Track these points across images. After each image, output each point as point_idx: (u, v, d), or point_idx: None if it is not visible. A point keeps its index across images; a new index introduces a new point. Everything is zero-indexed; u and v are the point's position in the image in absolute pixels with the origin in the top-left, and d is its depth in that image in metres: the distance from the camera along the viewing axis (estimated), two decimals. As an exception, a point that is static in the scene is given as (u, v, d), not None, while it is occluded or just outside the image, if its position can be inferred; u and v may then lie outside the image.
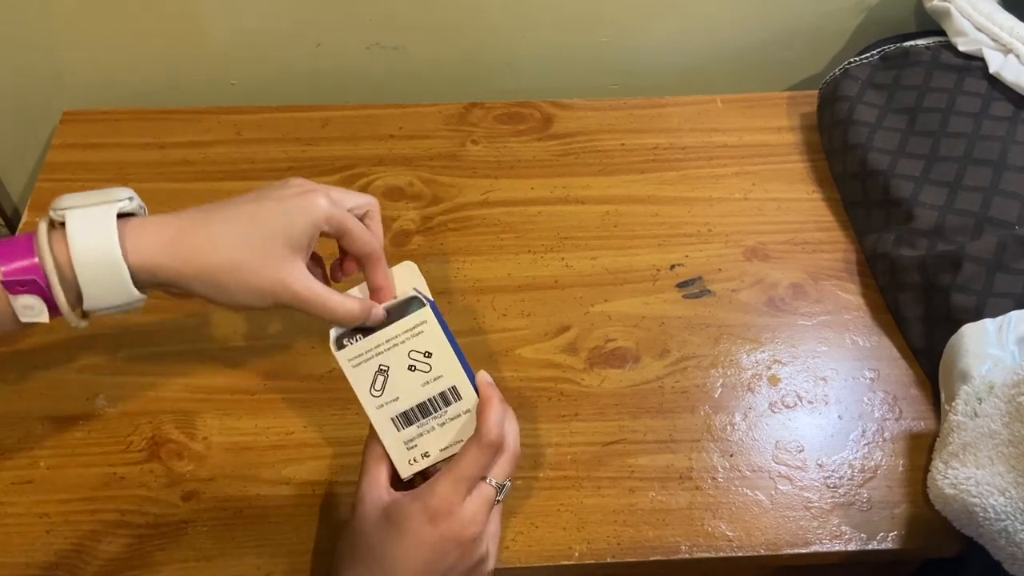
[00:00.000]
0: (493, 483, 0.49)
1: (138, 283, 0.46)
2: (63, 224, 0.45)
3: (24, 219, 0.73)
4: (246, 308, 0.49)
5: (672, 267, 0.71)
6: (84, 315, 0.47)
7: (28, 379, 0.64)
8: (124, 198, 0.47)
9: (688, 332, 0.67)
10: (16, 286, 0.44)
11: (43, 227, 0.45)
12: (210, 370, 0.65)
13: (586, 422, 0.62)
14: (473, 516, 0.47)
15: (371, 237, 0.52)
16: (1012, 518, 0.50)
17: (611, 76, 0.90)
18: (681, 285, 0.70)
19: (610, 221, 0.74)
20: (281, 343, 0.66)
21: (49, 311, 0.45)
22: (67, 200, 0.46)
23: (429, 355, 0.50)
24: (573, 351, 0.66)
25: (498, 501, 0.49)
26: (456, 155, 0.79)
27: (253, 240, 0.47)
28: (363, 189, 0.76)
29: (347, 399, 0.57)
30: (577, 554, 0.56)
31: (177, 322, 0.67)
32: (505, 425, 0.49)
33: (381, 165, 0.78)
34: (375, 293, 0.53)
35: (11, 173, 0.93)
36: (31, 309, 0.45)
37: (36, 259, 0.44)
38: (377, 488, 0.50)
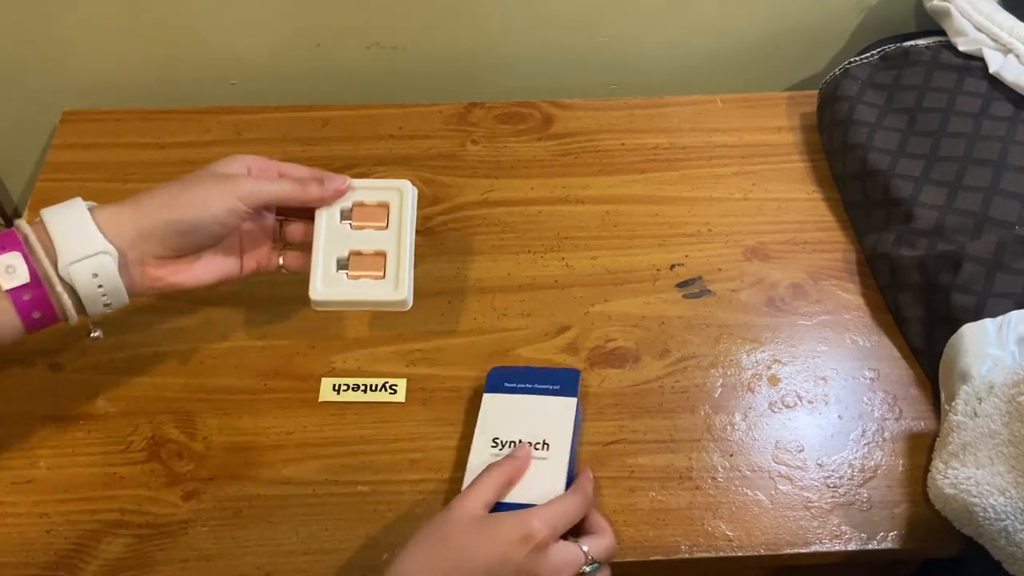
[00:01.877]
0: (586, 550, 0.50)
1: (110, 237, 0.51)
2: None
3: (24, 219, 0.73)
4: (211, 240, 0.55)
5: (672, 267, 0.71)
6: (62, 280, 0.51)
7: (28, 379, 0.64)
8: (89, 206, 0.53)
9: (688, 332, 0.67)
10: None
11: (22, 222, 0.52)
12: (210, 370, 0.65)
13: (586, 422, 0.62)
14: (559, 563, 0.48)
15: (299, 187, 0.58)
16: (1012, 518, 0.50)
17: (611, 76, 0.90)
18: (681, 285, 0.70)
19: (610, 221, 0.74)
20: (281, 343, 0.66)
21: (30, 271, 0.50)
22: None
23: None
24: (573, 351, 0.66)
25: (582, 573, 0.49)
26: (456, 155, 0.79)
27: (192, 186, 0.54)
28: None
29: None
30: (577, 554, 0.56)
31: (177, 322, 0.67)
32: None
33: (381, 165, 0.78)
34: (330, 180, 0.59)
35: (11, 173, 0.93)
36: (11, 269, 0.49)
37: (14, 229, 0.51)
38: (477, 500, 0.50)
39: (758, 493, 0.59)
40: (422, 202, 0.76)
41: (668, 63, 0.89)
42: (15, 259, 0.49)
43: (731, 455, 0.61)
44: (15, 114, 0.87)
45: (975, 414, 0.56)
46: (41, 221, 0.51)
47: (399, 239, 0.59)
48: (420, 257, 0.71)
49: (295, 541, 0.57)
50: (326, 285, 0.58)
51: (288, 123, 0.81)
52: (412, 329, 0.67)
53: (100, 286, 0.51)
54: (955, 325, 0.61)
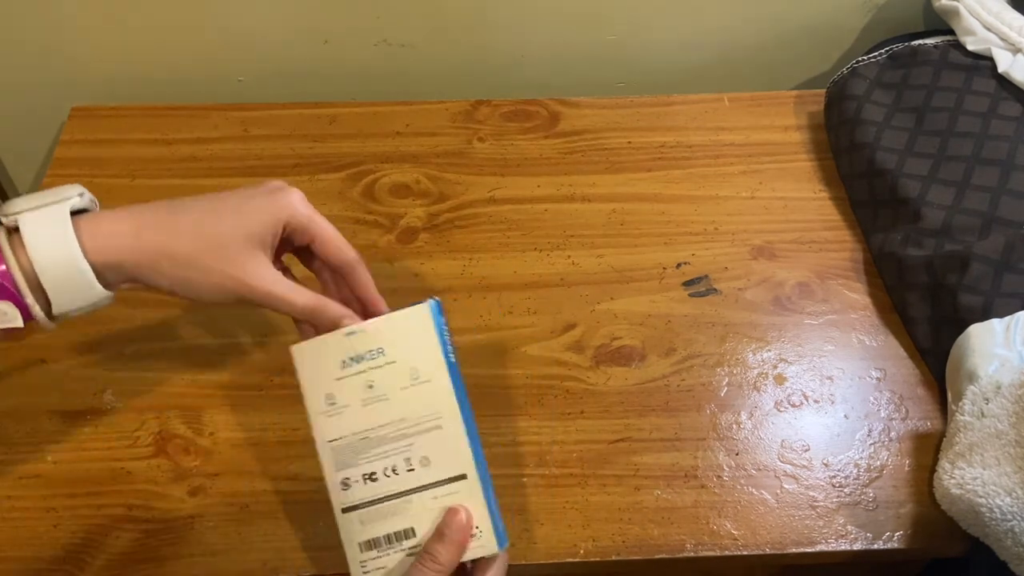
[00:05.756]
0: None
1: (104, 280, 0.46)
2: (18, 229, 0.44)
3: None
4: (209, 303, 0.48)
5: (678, 265, 0.71)
6: (54, 317, 0.46)
7: (36, 374, 0.64)
8: (74, 195, 0.46)
9: (694, 331, 0.67)
10: None
11: (2, 233, 0.45)
12: (217, 366, 0.65)
13: (592, 420, 0.62)
14: None
15: (346, 243, 0.50)
16: (1018, 518, 0.50)
17: (618, 74, 0.90)
18: (687, 283, 0.70)
19: (616, 219, 0.74)
20: (288, 339, 0.66)
21: (23, 316, 0.45)
22: (17, 204, 0.45)
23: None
24: (579, 349, 0.66)
25: None
26: (463, 152, 0.79)
27: (211, 233, 0.47)
28: (370, 186, 0.76)
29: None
30: (582, 552, 0.56)
31: (184, 318, 0.67)
32: None
33: (388, 162, 0.78)
34: (367, 306, 0.51)
35: (20, 168, 0.93)
36: (5, 315, 0.44)
37: (4, 266, 0.44)
38: None
39: (764, 492, 0.59)
40: (429, 199, 0.76)
41: (675, 62, 0.89)
42: (8, 306, 0.45)
43: (737, 454, 0.61)
44: (23, 109, 0.87)
45: (982, 414, 0.56)
46: (28, 255, 0.44)
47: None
48: (426, 255, 0.71)
49: (301, 537, 0.57)
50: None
51: (295, 120, 0.81)
52: (418, 326, 0.67)
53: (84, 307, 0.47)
54: (962, 325, 0.61)
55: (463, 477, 0.46)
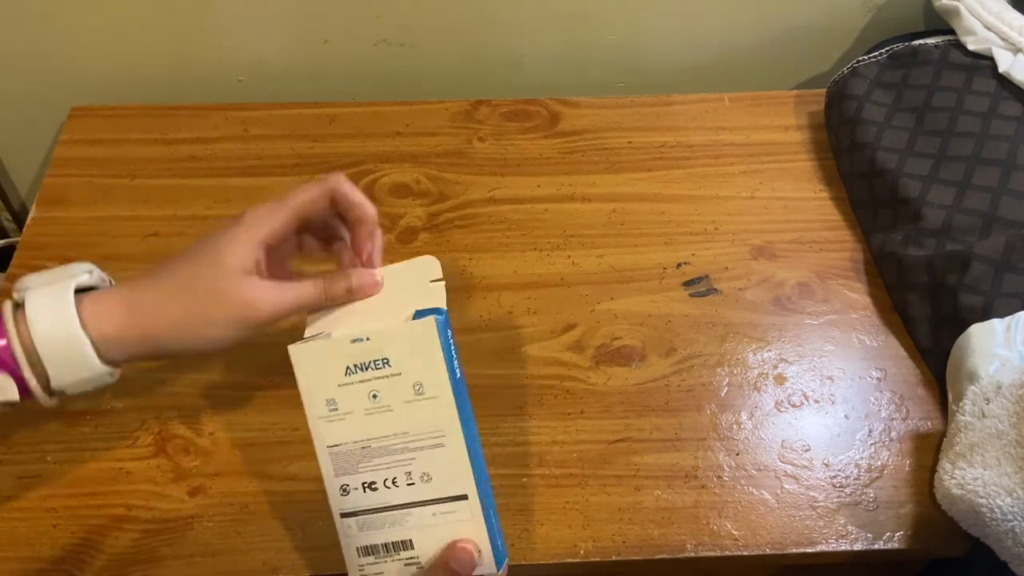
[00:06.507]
0: None
1: (105, 356, 0.46)
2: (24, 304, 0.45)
3: (32, 214, 0.74)
4: (227, 344, 0.48)
5: (678, 265, 0.71)
6: (53, 393, 0.47)
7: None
8: (83, 272, 0.47)
9: (694, 331, 0.67)
10: None
11: (8, 307, 0.45)
12: (217, 366, 0.65)
13: (592, 420, 0.62)
14: None
15: (362, 198, 0.49)
16: (1019, 519, 0.50)
17: (618, 74, 0.89)
18: (687, 283, 0.70)
19: (616, 219, 0.74)
20: (287, 339, 0.66)
21: (20, 392, 0.45)
22: (27, 280, 0.47)
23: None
24: (579, 349, 0.66)
25: None
26: (462, 152, 0.79)
27: (197, 286, 0.47)
28: (369, 186, 0.76)
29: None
30: (582, 552, 0.56)
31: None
32: None
33: (387, 162, 0.78)
34: (362, 258, 0.51)
35: (19, 168, 0.93)
36: (3, 389, 0.45)
37: (4, 340, 0.45)
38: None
39: (764, 492, 0.59)
40: (428, 199, 0.76)
41: (675, 61, 0.88)
42: (6, 380, 0.45)
43: (737, 454, 0.61)
44: (23, 109, 0.87)
45: (983, 414, 0.55)
46: (30, 335, 0.45)
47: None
48: (425, 254, 0.71)
49: (301, 537, 0.57)
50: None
51: (295, 120, 0.81)
52: (418, 326, 0.67)
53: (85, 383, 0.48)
54: (963, 325, 0.61)
55: (464, 497, 0.46)
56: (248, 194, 0.75)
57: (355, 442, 0.47)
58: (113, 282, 0.50)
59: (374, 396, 0.47)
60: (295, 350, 0.48)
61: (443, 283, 0.49)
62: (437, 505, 0.46)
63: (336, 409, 0.47)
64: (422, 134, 0.80)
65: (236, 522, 0.57)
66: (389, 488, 0.46)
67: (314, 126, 0.81)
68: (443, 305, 0.48)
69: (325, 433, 0.47)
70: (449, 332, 0.47)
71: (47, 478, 0.59)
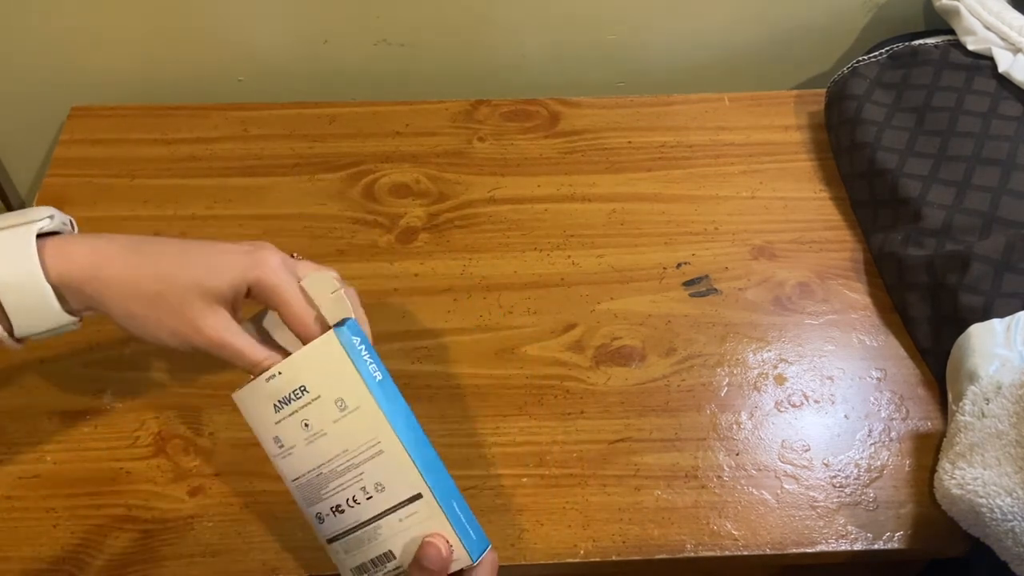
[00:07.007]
0: None
1: (67, 303, 0.45)
2: None
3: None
4: (155, 344, 0.47)
5: (679, 265, 0.71)
6: (19, 339, 0.46)
7: (35, 374, 0.64)
8: (44, 217, 0.46)
9: (694, 331, 0.67)
10: None
11: None
12: (216, 366, 0.64)
13: (592, 420, 0.62)
14: None
15: (311, 318, 0.47)
16: (1019, 519, 0.50)
17: (618, 74, 0.89)
18: (687, 283, 0.70)
19: (616, 219, 0.74)
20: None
21: None
22: None
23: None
24: (579, 349, 0.66)
25: None
26: (463, 152, 0.79)
27: (174, 279, 0.46)
28: (369, 186, 0.76)
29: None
30: (582, 552, 0.56)
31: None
32: None
33: (387, 162, 0.78)
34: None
35: (19, 168, 0.93)
36: None
37: None
38: None
39: (764, 492, 0.59)
40: (428, 199, 0.76)
41: (675, 61, 0.89)
42: None
43: (737, 454, 0.61)
44: (23, 109, 0.87)
45: (982, 414, 0.55)
46: None
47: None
48: (426, 255, 0.71)
49: (301, 537, 0.57)
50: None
51: (295, 120, 0.81)
52: (418, 326, 0.67)
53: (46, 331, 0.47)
54: (963, 325, 0.61)
55: (419, 496, 0.46)
56: (248, 194, 0.75)
57: (309, 472, 0.47)
58: (75, 224, 0.49)
59: (306, 425, 0.47)
60: (237, 397, 0.49)
61: (341, 291, 0.48)
62: (399, 511, 0.46)
63: (283, 446, 0.48)
64: (422, 134, 0.80)
65: (236, 522, 0.57)
66: (352, 507, 0.47)
67: (314, 126, 0.81)
68: (351, 315, 0.47)
69: (284, 470, 0.48)
70: (356, 339, 0.46)
71: (47, 478, 0.59)
